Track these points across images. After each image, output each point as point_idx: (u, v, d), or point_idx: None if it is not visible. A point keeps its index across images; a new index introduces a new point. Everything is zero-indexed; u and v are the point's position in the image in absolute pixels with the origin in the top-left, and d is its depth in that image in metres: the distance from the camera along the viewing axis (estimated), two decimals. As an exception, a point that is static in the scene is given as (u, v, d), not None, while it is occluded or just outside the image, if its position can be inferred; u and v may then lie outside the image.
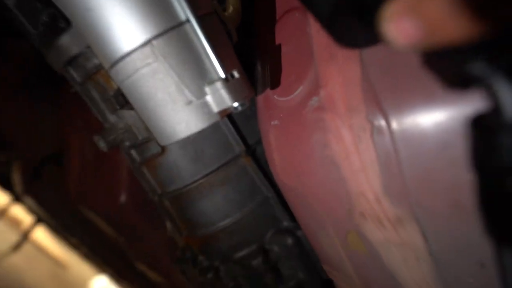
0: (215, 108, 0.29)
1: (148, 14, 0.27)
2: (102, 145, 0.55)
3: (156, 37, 0.27)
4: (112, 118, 0.55)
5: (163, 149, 0.55)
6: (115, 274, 1.19)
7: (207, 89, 0.29)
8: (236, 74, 0.29)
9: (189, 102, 0.29)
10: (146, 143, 0.55)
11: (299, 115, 0.32)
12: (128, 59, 0.28)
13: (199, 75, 0.29)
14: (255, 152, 0.59)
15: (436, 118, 0.24)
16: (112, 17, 0.27)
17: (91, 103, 0.56)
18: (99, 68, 0.51)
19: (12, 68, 1.00)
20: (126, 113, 0.53)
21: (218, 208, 0.59)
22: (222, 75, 0.29)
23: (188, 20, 0.28)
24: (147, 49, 0.27)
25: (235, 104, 0.29)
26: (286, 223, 0.62)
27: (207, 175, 0.57)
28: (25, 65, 1.00)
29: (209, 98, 0.29)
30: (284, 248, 0.61)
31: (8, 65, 1.01)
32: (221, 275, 0.65)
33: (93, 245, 1.06)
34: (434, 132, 0.25)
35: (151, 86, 0.29)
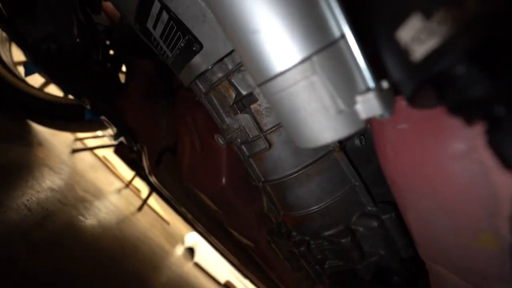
0: (364, 116, 0.24)
1: (309, 33, 0.23)
2: (222, 142, 0.53)
3: (316, 52, 0.23)
4: (228, 120, 0.53)
5: (270, 145, 0.52)
6: (205, 232, 1.20)
7: (358, 98, 0.24)
8: (385, 84, 0.24)
9: (340, 111, 0.24)
10: (255, 140, 0.52)
11: (437, 119, 0.26)
12: (288, 73, 0.24)
13: (351, 85, 0.24)
14: (345, 147, 0.53)
15: None
16: (277, 38, 0.23)
17: (212, 108, 0.54)
18: (222, 80, 0.49)
19: (139, 82, 1.05)
20: (241, 116, 0.50)
21: (312, 194, 0.54)
22: (373, 85, 0.24)
23: (343, 35, 0.23)
24: (307, 64, 0.23)
25: (384, 112, 0.24)
26: (370, 208, 0.55)
27: (305, 167, 0.53)
28: (148, 80, 1.04)
29: (359, 106, 0.24)
30: (369, 229, 0.55)
31: (136, 80, 1.06)
32: (311, 248, 0.61)
33: (197, 214, 1.09)
34: None
35: (306, 97, 0.25)
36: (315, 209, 0.55)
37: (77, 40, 0.88)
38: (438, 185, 0.28)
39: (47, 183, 1.12)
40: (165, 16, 0.47)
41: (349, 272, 0.63)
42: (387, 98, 0.24)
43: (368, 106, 0.24)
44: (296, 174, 0.53)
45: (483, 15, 0.15)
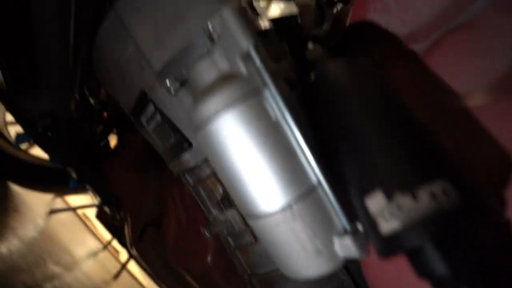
0: (342, 255, 0.26)
1: (289, 183, 0.25)
2: (208, 234, 0.53)
3: (296, 202, 0.25)
4: (215, 212, 0.54)
5: (256, 239, 0.52)
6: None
7: (336, 240, 0.25)
8: (360, 228, 0.26)
9: (319, 252, 0.26)
10: (241, 233, 0.52)
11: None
12: (269, 218, 0.26)
13: (328, 228, 0.26)
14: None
15: None
16: (261, 184, 0.25)
17: (199, 200, 0.55)
18: (209, 176, 0.51)
19: (129, 154, 1.07)
20: (228, 211, 0.51)
21: (299, 290, 0.53)
22: (349, 228, 0.25)
23: (320, 183, 0.26)
24: (287, 211, 0.25)
25: (361, 255, 0.25)
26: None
27: (291, 261, 0.52)
28: (138, 152, 1.06)
29: (337, 247, 0.26)
30: (360, 328, 0.53)
31: (127, 151, 1.08)
32: None
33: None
34: None
35: (286, 238, 0.26)
36: (303, 305, 0.53)
37: (74, 115, 0.91)
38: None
39: (14, 259, 1.03)
40: (159, 117, 0.50)
41: None
42: (363, 240, 0.26)
43: (345, 248, 0.25)
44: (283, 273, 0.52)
45: (437, 214, 0.18)
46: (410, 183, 0.19)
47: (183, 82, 0.39)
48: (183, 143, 0.49)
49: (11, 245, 1.08)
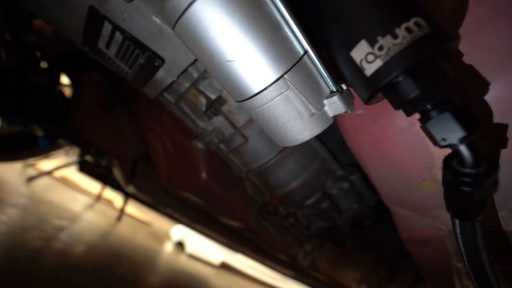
0: (331, 114, 0.29)
1: (279, 56, 0.26)
2: (201, 146, 0.55)
3: (287, 71, 0.27)
4: (202, 124, 0.55)
5: (246, 138, 0.55)
6: (190, 222, 1.23)
7: (325, 101, 0.29)
8: (344, 86, 0.29)
9: (312, 114, 0.29)
10: (232, 137, 0.56)
11: (385, 105, 0.32)
12: (264, 92, 0.28)
13: (318, 91, 0.28)
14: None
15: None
16: (250, 64, 0.26)
17: (184, 116, 0.55)
18: (189, 89, 0.50)
19: (90, 95, 0.99)
20: (215, 118, 0.53)
21: (290, 172, 0.61)
22: (335, 89, 0.28)
23: (306, 52, 0.27)
24: (281, 82, 0.27)
25: (347, 109, 0.29)
26: (339, 172, 0.64)
27: (280, 151, 0.58)
28: (101, 92, 0.98)
29: (327, 108, 0.29)
30: (341, 190, 0.64)
31: (87, 93, 0.99)
32: (298, 218, 0.68)
33: (184, 212, 1.11)
34: None
35: (282, 108, 0.29)
36: (295, 184, 0.62)
37: (7, 63, 0.79)
38: (390, 152, 0.35)
39: (16, 222, 1.03)
40: (119, 36, 0.45)
41: (332, 227, 0.72)
42: (348, 97, 0.29)
43: (333, 106, 0.29)
44: (274, 159, 0.58)
45: (412, 44, 0.20)
46: (390, 27, 0.21)
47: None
48: (154, 60, 0.46)
49: (6, 215, 1.06)
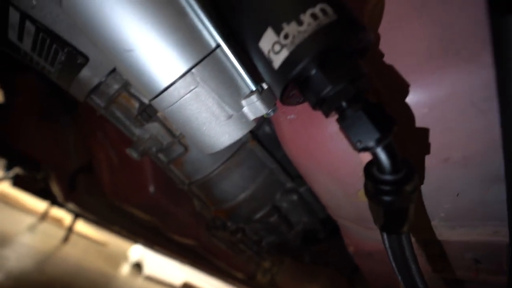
0: (252, 117, 0.26)
1: (185, 47, 0.23)
2: (135, 155, 0.50)
3: (195, 65, 0.23)
4: (137, 131, 0.50)
5: (186, 147, 0.51)
6: (148, 242, 1.14)
7: (243, 102, 0.26)
8: (264, 86, 0.26)
9: (230, 116, 0.26)
10: (171, 146, 0.51)
11: (315, 113, 0.30)
12: (172, 88, 0.24)
13: (235, 91, 0.25)
14: (257, 135, 0.56)
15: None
16: (153, 55, 0.22)
17: (116, 122, 0.50)
18: (120, 91, 0.45)
19: (25, 100, 0.88)
20: (150, 125, 0.48)
21: (236, 184, 0.57)
22: (254, 88, 0.25)
23: (218, 45, 0.24)
24: (188, 77, 0.23)
25: (268, 111, 0.26)
26: (289, 184, 0.61)
27: (224, 162, 0.54)
28: (36, 95, 0.88)
29: (245, 109, 0.26)
30: (291, 203, 0.61)
31: (21, 97, 0.88)
32: (246, 233, 0.64)
33: (131, 228, 1.01)
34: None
35: (194, 108, 0.25)
36: (242, 197, 0.58)
37: None
38: (323, 161, 0.32)
39: None
40: (30, 26, 0.39)
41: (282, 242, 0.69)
42: (269, 98, 0.26)
43: (253, 108, 0.26)
44: (217, 171, 0.54)
45: (317, 31, 0.18)
46: (295, 13, 0.19)
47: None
48: (75, 56, 0.41)
49: None
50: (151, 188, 0.80)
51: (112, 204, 0.89)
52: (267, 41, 0.20)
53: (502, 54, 0.20)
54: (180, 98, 0.24)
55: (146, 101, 0.46)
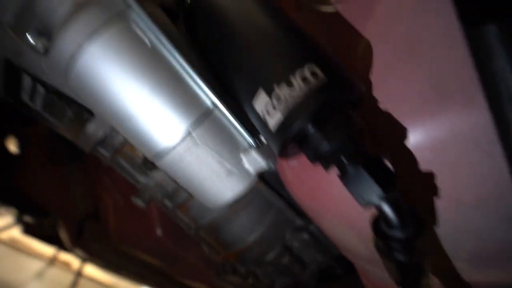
0: (253, 171, 0.26)
1: (183, 110, 0.23)
2: (141, 203, 0.50)
3: (194, 128, 0.24)
4: (142, 179, 0.50)
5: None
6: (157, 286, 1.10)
7: (243, 157, 0.26)
8: (262, 139, 0.26)
9: (231, 172, 0.26)
10: (176, 191, 0.51)
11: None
12: (173, 151, 0.24)
13: (234, 147, 0.26)
14: (263, 175, 0.56)
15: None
16: (152, 120, 0.23)
17: (122, 171, 0.50)
18: (124, 142, 0.46)
19: (34, 150, 0.91)
20: (155, 173, 0.48)
21: (245, 226, 0.55)
22: (252, 142, 0.26)
23: (215, 105, 0.25)
24: (188, 140, 0.24)
25: (269, 164, 0.26)
26: (298, 222, 0.59)
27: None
28: (44, 146, 0.91)
29: (246, 164, 0.26)
30: (302, 242, 0.59)
31: (31, 147, 0.91)
32: (258, 276, 0.61)
33: (140, 272, 0.98)
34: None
35: (195, 167, 0.25)
36: (251, 239, 0.56)
37: None
38: (330, 206, 0.31)
39: None
40: (40, 89, 0.42)
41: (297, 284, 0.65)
42: (267, 151, 0.26)
43: (253, 162, 0.26)
44: (224, 214, 0.53)
45: (309, 95, 0.18)
46: (284, 74, 0.19)
47: (49, 34, 0.32)
48: (82, 113, 0.43)
49: None
50: (159, 232, 0.78)
51: (118, 249, 0.87)
52: (260, 101, 0.20)
53: (485, 68, 0.19)
54: (181, 159, 0.25)
55: (150, 150, 0.47)
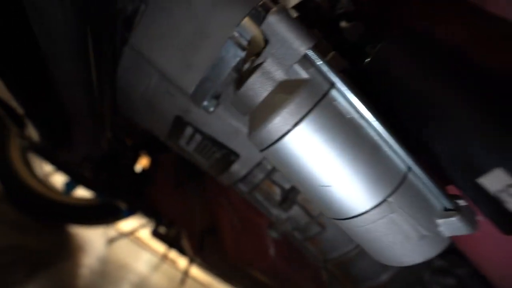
0: (448, 234, 0.24)
1: (380, 177, 0.23)
2: (276, 235, 0.53)
3: (391, 194, 0.23)
4: (276, 212, 0.53)
5: (323, 227, 0.51)
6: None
7: (440, 222, 0.24)
8: (461, 202, 0.24)
9: (423, 237, 0.24)
10: (307, 225, 0.52)
11: None
12: (365, 215, 0.24)
13: (429, 210, 0.24)
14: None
15: None
16: (348, 188, 0.24)
17: (257, 204, 0.55)
18: (263, 180, 0.50)
19: (165, 173, 1.08)
20: (291, 210, 0.50)
21: (378, 264, 0.52)
22: (450, 206, 0.24)
23: (410, 169, 0.24)
24: (384, 205, 0.24)
25: (470, 229, 0.23)
26: (438, 263, 0.52)
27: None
28: (173, 169, 1.07)
29: (442, 228, 0.24)
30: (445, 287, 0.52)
31: (162, 171, 1.09)
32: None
33: (249, 286, 1.04)
34: None
35: (386, 231, 0.25)
36: (385, 277, 0.52)
37: (108, 152, 0.93)
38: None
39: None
40: (198, 137, 0.49)
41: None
42: (469, 215, 0.24)
43: (451, 227, 0.24)
44: (358, 248, 0.51)
45: None
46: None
47: (218, 97, 0.38)
48: (229, 155, 0.49)
49: (83, 277, 1.16)
50: (271, 251, 0.82)
51: (233, 264, 0.95)
52: (495, 180, 0.19)
53: None
54: (372, 223, 0.25)
55: (287, 186, 0.49)
